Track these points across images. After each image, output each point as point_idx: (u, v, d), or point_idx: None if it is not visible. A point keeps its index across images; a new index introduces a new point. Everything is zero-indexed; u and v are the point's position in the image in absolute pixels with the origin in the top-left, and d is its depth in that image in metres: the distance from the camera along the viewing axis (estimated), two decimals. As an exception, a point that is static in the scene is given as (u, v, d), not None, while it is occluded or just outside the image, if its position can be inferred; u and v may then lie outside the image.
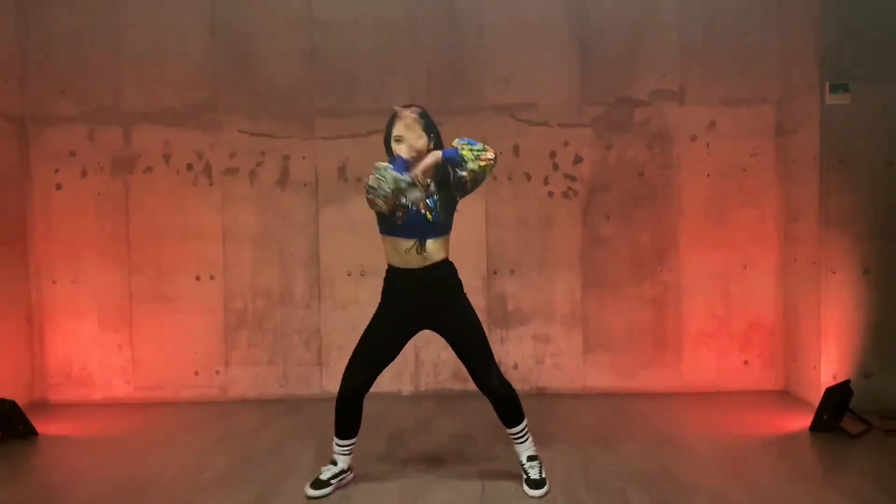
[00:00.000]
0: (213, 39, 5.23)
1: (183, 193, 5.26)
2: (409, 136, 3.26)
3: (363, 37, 5.24)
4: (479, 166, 3.19)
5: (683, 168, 5.24)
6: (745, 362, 5.29)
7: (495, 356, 3.48)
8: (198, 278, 5.27)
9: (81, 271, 5.28)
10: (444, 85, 5.26)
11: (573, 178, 5.27)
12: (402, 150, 3.24)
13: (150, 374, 5.29)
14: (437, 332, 3.47)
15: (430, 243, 3.33)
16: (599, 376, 5.29)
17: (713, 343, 5.28)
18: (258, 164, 5.27)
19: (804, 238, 4.94)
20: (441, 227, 3.35)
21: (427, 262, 3.33)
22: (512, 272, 5.28)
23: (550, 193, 5.28)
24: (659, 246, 5.27)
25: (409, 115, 3.29)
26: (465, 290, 3.45)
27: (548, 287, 5.29)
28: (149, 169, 5.27)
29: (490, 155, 3.22)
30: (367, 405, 3.51)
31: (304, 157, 5.28)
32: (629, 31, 5.22)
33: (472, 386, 3.49)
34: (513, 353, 5.30)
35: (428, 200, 3.31)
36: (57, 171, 5.27)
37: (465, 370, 3.48)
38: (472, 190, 3.35)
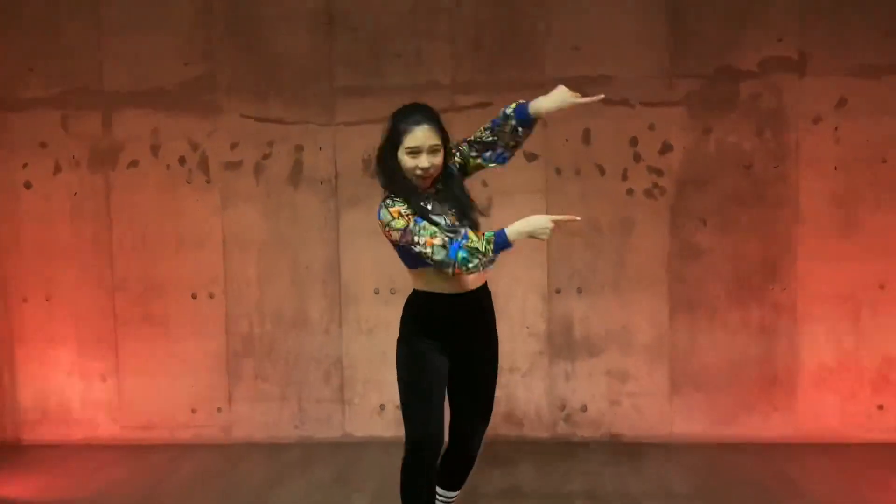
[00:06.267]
0: (210, 1, 4.48)
1: (175, 192, 4.57)
2: (426, 146, 2.73)
3: (394, -5, 4.44)
4: None
5: (803, 159, 4.41)
6: (880, 407, 4.42)
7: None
8: (194, 296, 4.58)
9: (56, 287, 4.61)
10: (495, 54, 4.47)
11: (659, 172, 4.45)
12: (420, 161, 2.71)
13: (140, 410, 4.63)
14: (455, 364, 2.89)
15: None
16: (690, 422, 4.50)
17: (837, 382, 4.44)
18: (265, 157, 4.54)
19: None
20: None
21: (477, 282, 2.84)
22: (580, 291, 4.48)
23: (630, 191, 4.47)
24: (769, 259, 4.44)
25: (422, 125, 2.72)
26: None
27: (625, 310, 4.49)
28: (134, 163, 4.57)
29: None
30: None
31: (320, 148, 4.53)
32: (734, -19, 4.38)
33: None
34: (581, 393, 4.47)
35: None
36: (25, 166, 4.59)
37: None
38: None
